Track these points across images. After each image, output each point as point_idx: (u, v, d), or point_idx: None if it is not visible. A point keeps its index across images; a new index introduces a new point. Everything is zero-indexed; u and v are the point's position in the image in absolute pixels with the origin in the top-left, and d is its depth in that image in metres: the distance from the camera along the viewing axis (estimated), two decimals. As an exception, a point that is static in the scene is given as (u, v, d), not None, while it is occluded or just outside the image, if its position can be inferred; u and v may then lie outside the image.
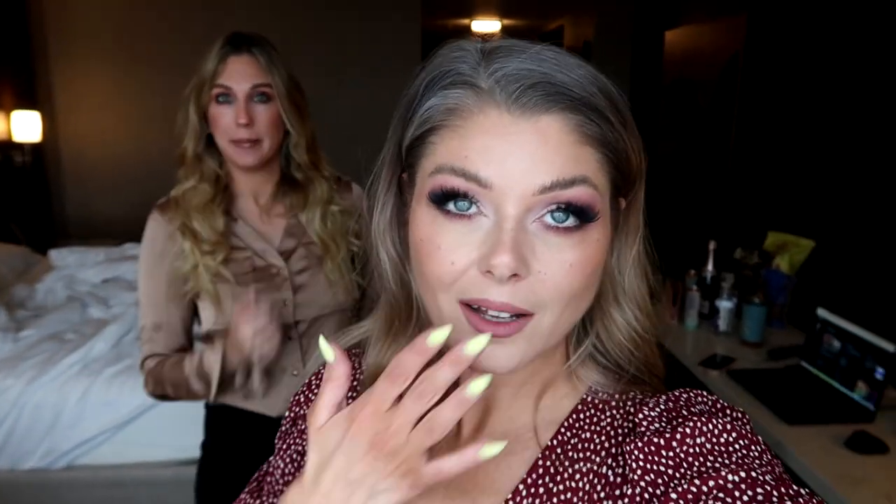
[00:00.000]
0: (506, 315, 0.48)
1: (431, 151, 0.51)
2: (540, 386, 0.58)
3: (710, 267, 2.52)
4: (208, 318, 1.38)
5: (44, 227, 4.61)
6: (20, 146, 4.26)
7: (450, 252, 0.49)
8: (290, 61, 1.40)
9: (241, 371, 1.31)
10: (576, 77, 0.48)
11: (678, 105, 4.03)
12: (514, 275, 0.46)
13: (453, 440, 0.61)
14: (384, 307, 0.61)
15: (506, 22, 7.10)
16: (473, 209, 0.48)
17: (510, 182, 0.47)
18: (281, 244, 1.42)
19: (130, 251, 3.55)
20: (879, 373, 1.74)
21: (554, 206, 0.48)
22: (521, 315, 0.48)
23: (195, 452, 2.31)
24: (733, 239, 2.68)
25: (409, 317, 0.59)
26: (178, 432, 2.35)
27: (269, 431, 1.42)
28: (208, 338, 1.41)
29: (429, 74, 0.52)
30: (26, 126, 4.22)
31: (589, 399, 0.57)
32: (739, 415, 0.52)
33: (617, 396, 0.57)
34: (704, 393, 0.54)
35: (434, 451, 0.59)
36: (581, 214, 0.48)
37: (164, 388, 1.39)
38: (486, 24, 7.10)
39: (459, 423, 0.60)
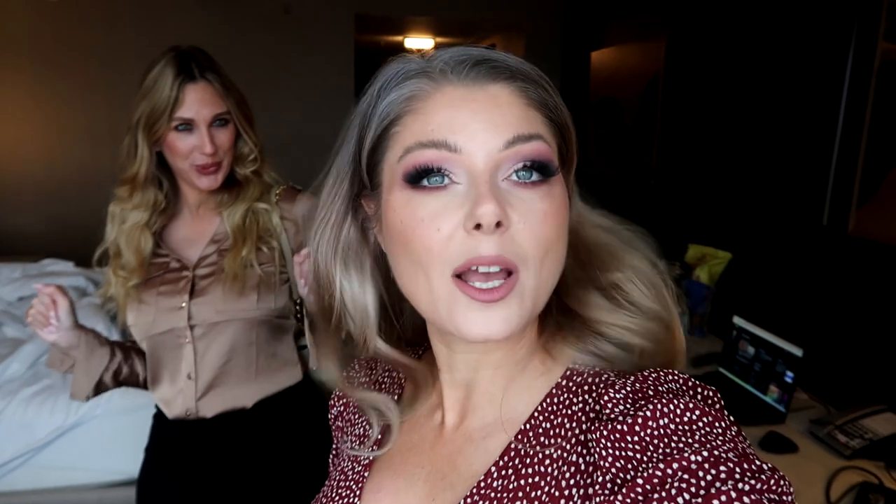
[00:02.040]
0: (496, 282, 0.50)
1: (396, 140, 0.54)
2: (516, 368, 0.59)
3: (634, 278, 2.62)
4: (126, 318, 1.41)
5: (-46, 244, 4.37)
6: (-72, 158, 4.04)
7: (433, 221, 0.51)
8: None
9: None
10: (507, 56, 0.55)
11: (605, 123, 4.17)
12: (499, 224, 0.49)
13: (438, 427, 0.63)
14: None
15: (438, 40, 7.19)
16: (447, 180, 0.52)
17: (476, 143, 0.51)
18: (203, 250, 1.43)
19: (49, 267, 3.41)
20: (789, 376, 1.85)
21: (519, 165, 0.52)
22: (509, 273, 0.51)
23: (119, 475, 2.25)
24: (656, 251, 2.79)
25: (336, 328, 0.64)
26: (100, 455, 2.27)
27: (185, 433, 1.43)
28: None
29: (379, 82, 0.56)
30: (-65, 137, 4.00)
31: (563, 382, 0.58)
32: (710, 393, 0.52)
33: (590, 380, 0.57)
34: (676, 371, 0.53)
35: (420, 437, 0.63)
36: (543, 169, 0.52)
37: None
38: (418, 42, 7.18)
39: (443, 411, 0.63)
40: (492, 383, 0.60)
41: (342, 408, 0.76)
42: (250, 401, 1.43)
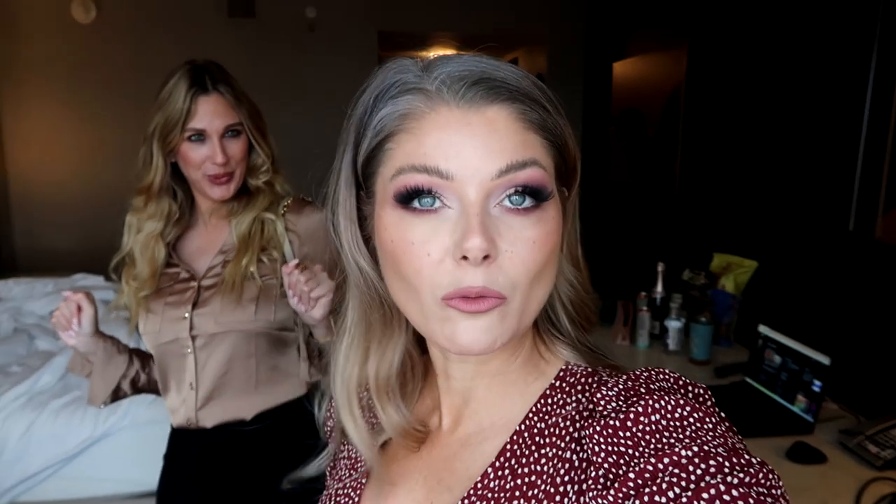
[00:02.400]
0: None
1: (389, 157, 0.53)
2: (513, 374, 0.60)
3: (659, 288, 2.59)
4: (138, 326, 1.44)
5: (-10, 260, 4.50)
6: (-34, 177, 4.17)
7: (423, 245, 0.51)
8: (245, 89, 1.44)
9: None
10: (509, 72, 0.53)
11: (627, 134, 4.16)
12: (486, 256, 0.49)
13: (436, 432, 0.64)
14: (361, 323, 0.63)
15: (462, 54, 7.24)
16: (438, 203, 0.51)
17: (469, 171, 0.50)
18: (212, 260, 1.44)
19: (81, 282, 3.49)
20: (817, 386, 1.81)
21: (511, 190, 0.51)
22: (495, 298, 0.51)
23: (146, 486, 2.27)
24: (681, 261, 2.76)
25: (391, 325, 0.63)
26: (127, 466, 2.30)
27: (193, 442, 1.44)
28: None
29: (375, 90, 0.55)
30: (-27, 157, 4.13)
31: (557, 383, 0.59)
32: (701, 391, 0.53)
33: (583, 379, 0.58)
34: (667, 370, 0.54)
35: (413, 440, 0.64)
36: (536, 194, 0.52)
37: None
38: (442, 57, 7.24)
39: (440, 416, 0.64)
40: (488, 391, 0.61)
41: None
42: (250, 413, 1.42)
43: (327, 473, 0.77)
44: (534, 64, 5.97)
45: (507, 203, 0.51)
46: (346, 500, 0.67)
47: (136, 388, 1.47)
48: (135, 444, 2.23)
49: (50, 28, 4.55)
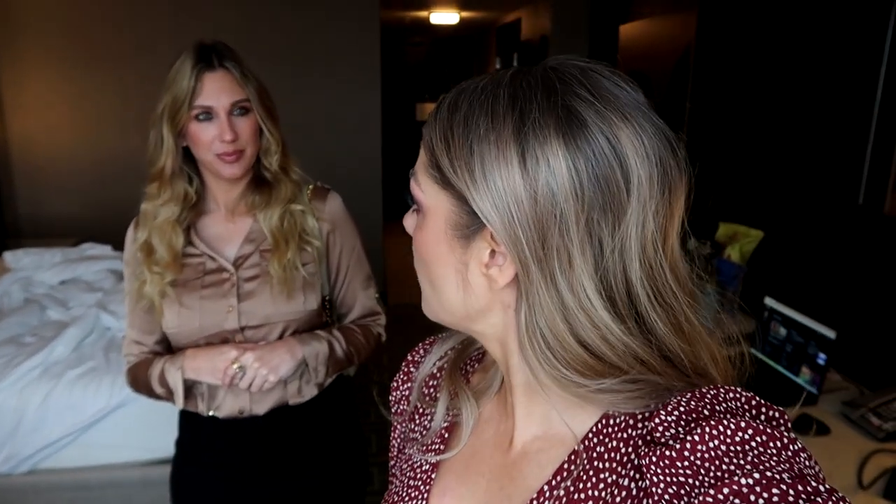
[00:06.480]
0: None
1: None
2: (551, 387, 0.57)
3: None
4: (164, 322, 1.41)
5: (-5, 227, 4.50)
6: (-32, 144, 4.15)
7: None
8: (249, 54, 1.42)
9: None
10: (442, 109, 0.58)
11: (633, 98, 4.12)
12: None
13: (501, 433, 0.64)
14: None
15: (464, 14, 7.11)
16: None
17: None
18: (239, 249, 1.43)
19: (89, 251, 3.50)
20: (821, 358, 1.84)
21: None
22: None
23: (161, 453, 2.33)
24: (686, 230, 2.77)
25: None
26: (144, 433, 2.35)
27: (232, 431, 1.45)
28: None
29: None
30: (-26, 123, 4.10)
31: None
32: (776, 413, 0.49)
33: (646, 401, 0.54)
34: (739, 389, 0.50)
35: (482, 443, 0.65)
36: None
37: (139, 387, 1.46)
38: (444, 17, 7.11)
39: (505, 413, 0.64)
40: (522, 398, 0.61)
41: (406, 392, 0.76)
42: (298, 395, 1.46)
43: (395, 447, 0.77)
44: (537, 25, 5.87)
45: None
46: (416, 493, 0.67)
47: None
48: (148, 413, 2.27)
49: (47, -8, 4.47)
